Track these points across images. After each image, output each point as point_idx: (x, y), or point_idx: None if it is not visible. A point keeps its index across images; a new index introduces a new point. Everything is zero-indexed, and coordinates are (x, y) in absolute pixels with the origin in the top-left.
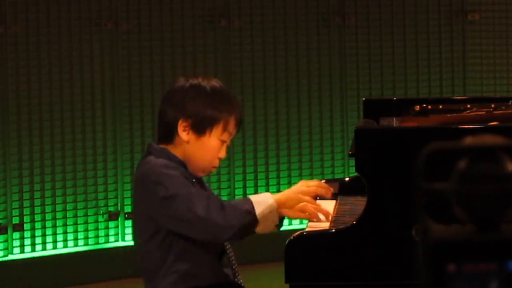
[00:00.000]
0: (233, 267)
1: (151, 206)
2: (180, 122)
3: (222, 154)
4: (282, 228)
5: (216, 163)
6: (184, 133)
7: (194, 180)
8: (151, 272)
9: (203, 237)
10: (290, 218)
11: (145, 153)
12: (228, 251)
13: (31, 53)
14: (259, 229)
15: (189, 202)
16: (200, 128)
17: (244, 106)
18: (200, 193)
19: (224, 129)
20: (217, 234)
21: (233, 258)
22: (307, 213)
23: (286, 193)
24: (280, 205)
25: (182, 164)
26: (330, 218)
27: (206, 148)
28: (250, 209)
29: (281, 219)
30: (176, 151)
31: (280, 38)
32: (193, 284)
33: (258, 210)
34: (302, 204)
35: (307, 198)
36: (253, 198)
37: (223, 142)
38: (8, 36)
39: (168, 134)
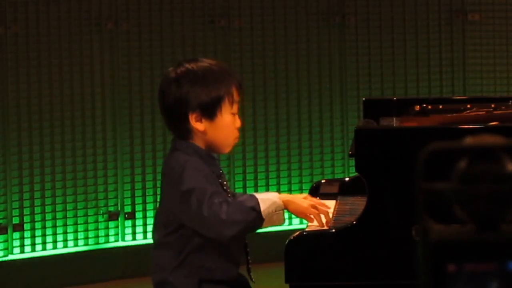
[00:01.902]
0: (249, 264)
1: (172, 201)
2: (190, 116)
3: (238, 123)
4: (282, 228)
5: (237, 133)
6: (198, 124)
7: (221, 171)
8: (164, 263)
9: (210, 235)
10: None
11: (171, 149)
12: (248, 249)
13: (31, 53)
14: (264, 226)
15: (200, 199)
16: (210, 112)
17: (244, 106)
18: (212, 191)
19: (231, 102)
20: (221, 231)
21: (249, 256)
22: (309, 215)
23: (293, 195)
24: (285, 204)
25: (211, 158)
26: (329, 218)
27: (223, 127)
28: (255, 206)
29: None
30: (198, 143)
31: (280, 38)
32: (205, 277)
33: (264, 207)
34: (305, 206)
35: (312, 204)
36: (259, 195)
37: (234, 114)
38: (8, 36)
39: (184, 131)
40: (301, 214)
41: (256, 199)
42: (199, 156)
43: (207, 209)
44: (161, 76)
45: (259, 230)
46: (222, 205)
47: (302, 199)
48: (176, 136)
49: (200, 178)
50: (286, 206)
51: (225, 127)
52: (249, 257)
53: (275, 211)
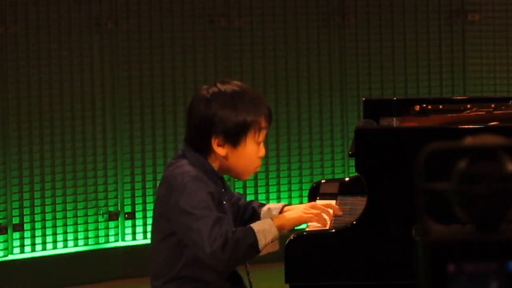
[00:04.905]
0: (247, 267)
1: (170, 210)
2: (213, 139)
3: (262, 152)
4: None
5: (259, 162)
6: (219, 149)
7: (223, 189)
8: (159, 271)
9: (205, 262)
10: None
11: (179, 154)
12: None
13: (31, 53)
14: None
15: (202, 228)
16: (234, 139)
17: None
18: (214, 220)
19: (258, 131)
20: (219, 266)
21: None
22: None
23: (288, 217)
24: (280, 228)
25: (216, 175)
26: (329, 222)
27: (245, 156)
28: (253, 243)
29: None
30: (212, 161)
31: (280, 38)
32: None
33: (261, 242)
34: (297, 217)
35: (304, 210)
36: (256, 227)
37: (259, 143)
38: (8, 36)
39: (203, 148)
40: (300, 223)
41: (254, 235)
42: (204, 171)
43: (209, 247)
44: (161, 76)
45: None
46: (224, 243)
47: (293, 212)
48: (193, 147)
49: (204, 196)
50: (282, 229)
51: (247, 155)
52: (248, 268)
53: (271, 242)
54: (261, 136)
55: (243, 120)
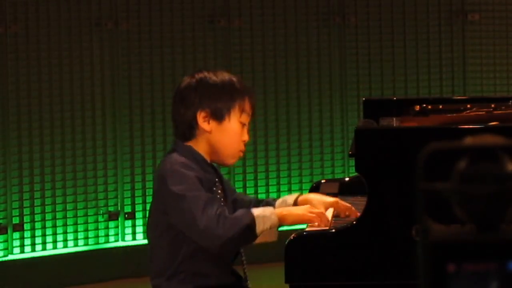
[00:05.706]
0: (244, 266)
1: (164, 198)
2: (198, 114)
3: (245, 136)
4: (282, 228)
5: (242, 146)
6: (205, 124)
7: (217, 179)
8: (159, 269)
9: (202, 244)
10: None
11: (170, 149)
12: (241, 251)
13: (31, 53)
14: (257, 242)
15: (193, 209)
16: (219, 114)
17: None
18: (206, 199)
19: (242, 111)
20: (215, 246)
21: (244, 257)
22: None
23: (292, 212)
24: (281, 220)
25: (205, 163)
26: (330, 224)
27: (229, 133)
28: (251, 225)
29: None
30: (200, 146)
31: (280, 38)
32: (201, 283)
33: (259, 226)
34: (301, 214)
35: (307, 209)
36: (256, 211)
37: (243, 124)
38: (8, 36)
39: (188, 131)
40: (302, 222)
41: (253, 217)
42: (195, 160)
43: (203, 222)
44: (161, 76)
45: None
46: (219, 219)
47: (297, 208)
48: (180, 137)
49: (193, 179)
50: (282, 222)
51: (231, 132)
52: (244, 261)
53: (270, 228)
54: (244, 118)
55: (228, 98)
